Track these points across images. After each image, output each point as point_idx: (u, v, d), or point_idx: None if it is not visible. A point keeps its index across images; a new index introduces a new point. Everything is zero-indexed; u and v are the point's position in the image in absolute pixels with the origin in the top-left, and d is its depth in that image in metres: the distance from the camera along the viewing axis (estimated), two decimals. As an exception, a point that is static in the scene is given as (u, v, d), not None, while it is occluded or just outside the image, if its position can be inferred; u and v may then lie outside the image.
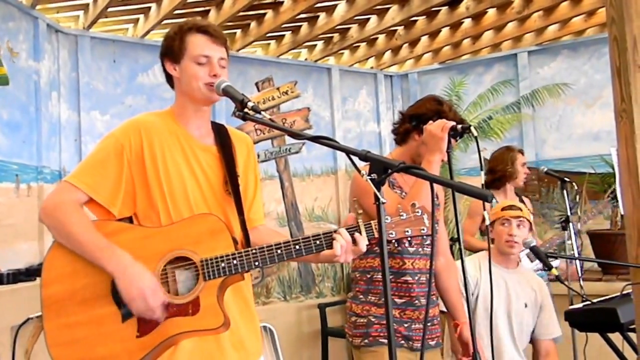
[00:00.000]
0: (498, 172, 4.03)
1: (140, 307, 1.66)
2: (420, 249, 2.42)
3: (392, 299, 2.36)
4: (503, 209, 3.06)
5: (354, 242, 1.73)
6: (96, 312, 1.71)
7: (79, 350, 1.70)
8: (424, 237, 2.24)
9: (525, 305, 2.98)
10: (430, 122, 2.30)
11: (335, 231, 1.73)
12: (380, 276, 2.37)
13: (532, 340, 3.04)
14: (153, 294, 1.66)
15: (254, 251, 1.73)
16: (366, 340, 2.37)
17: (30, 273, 3.60)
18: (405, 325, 2.38)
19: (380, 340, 2.34)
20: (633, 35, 2.71)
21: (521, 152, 4.15)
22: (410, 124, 2.44)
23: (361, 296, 2.44)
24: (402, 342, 2.37)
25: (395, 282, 2.39)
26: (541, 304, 3.04)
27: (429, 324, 2.46)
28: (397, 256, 2.39)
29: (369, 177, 1.46)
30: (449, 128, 2.23)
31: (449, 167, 2.24)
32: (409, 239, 2.36)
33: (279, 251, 1.74)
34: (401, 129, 2.50)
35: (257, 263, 1.73)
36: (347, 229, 1.74)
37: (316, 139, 1.60)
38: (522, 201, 4.09)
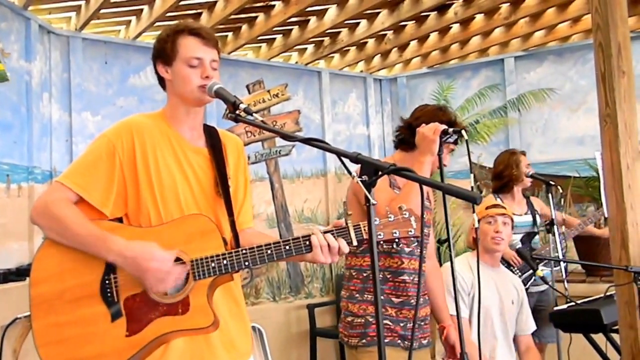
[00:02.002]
0: (505, 177, 4.03)
1: (158, 273, 1.65)
2: (416, 250, 2.46)
3: (389, 298, 2.40)
4: (487, 208, 3.10)
5: (332, 244, 1.73)
6: (85, 311, 1.71)
7: (67, 349, 1.70)
8: (412, 238, 2.28)
9: (512, 302, 3.04)
10: (423, 124, 2.35)
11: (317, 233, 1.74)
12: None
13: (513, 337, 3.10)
14: (163, 257, 1.66)
15: (244, 251, 1.74)
16: (364, 341, 2.37)
17: (21, 273, 3.60)
18: (402, 324, 2.40)
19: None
20: (617, 41, 2.76)
21: (523, 153, 4.17)
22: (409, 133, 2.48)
23: (357, 295, 2.45)
24: (399, 341, 2.39)
25: (393, 281, 2.42)
26: (522, 301, 3.10)
27: (422, 323, 2.50)
28: (396, 255, 2.42)
29: (360, 179, 1.49)
30: (441, 131, 2.28)
31: (440, 169, 2.29)
32: (398, 240, 2.39)
33: (269, 251, 1.74)
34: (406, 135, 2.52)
35: (247, 263, 1.74)
36: (336, 230, 1.74)
37: (308, 141, 1.62)
38: (529, 201, 4.15)
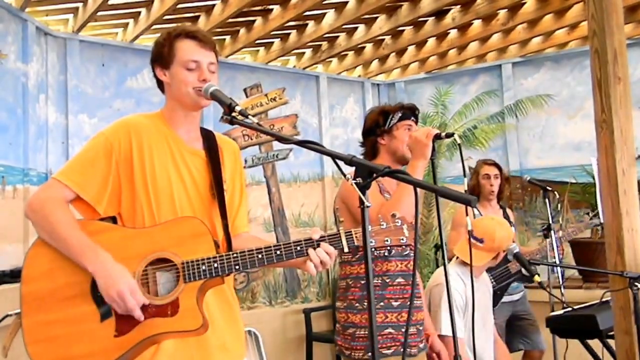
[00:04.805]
0: (469, 187, 4.04)
1: (120, 307, 1.68)
2: (411, 253, 2.47)
3: (389, 303, 2.40)
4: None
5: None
6: (75, 310, 1.71)
7: (56, 348, 1.70)
8: (404, 246, 2.27)
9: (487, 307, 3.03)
10: (415, 128, 2.36)
11: (310, 240, 1.75)
12: (377, 280, 2.38)
13: None
14: (132, 295, 1.67)
15: (234, 255, 1.74)
16: (370, 353, 2.29)
17: (15, 275, 3.58)
18: (403, 330, 2.38)
19: (384, 351, 2.33)
20: (613, 47, 2.77)
21: (486, 162, 4.11)
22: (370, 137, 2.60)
23: (357, 304, 2.41)
24: (402, 349, 2.36)
25: (392, 285, 2.41)
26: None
27: (420, 327, 2.49)
28: (392, 259, 2.42)
29: (354, 181, 1.49)
30: (434, 135, 2.28)
31: (432, 173, 2.29)
32: (390, 247, 2.39)
33: (259, 256, 1.74)
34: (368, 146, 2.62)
35: (237, 267, 1.74)
36: (328, 237, 1.75)
37: (302, 144, 1.63)
38: (505, 212, 4.12)
